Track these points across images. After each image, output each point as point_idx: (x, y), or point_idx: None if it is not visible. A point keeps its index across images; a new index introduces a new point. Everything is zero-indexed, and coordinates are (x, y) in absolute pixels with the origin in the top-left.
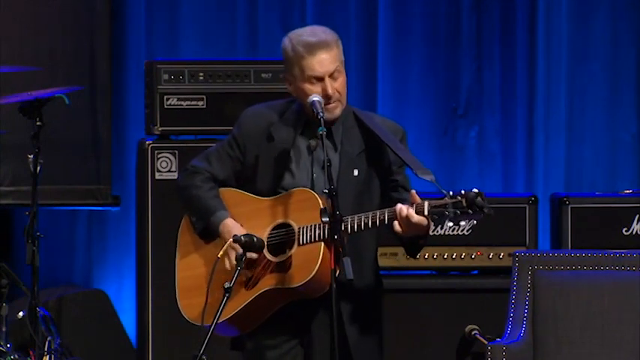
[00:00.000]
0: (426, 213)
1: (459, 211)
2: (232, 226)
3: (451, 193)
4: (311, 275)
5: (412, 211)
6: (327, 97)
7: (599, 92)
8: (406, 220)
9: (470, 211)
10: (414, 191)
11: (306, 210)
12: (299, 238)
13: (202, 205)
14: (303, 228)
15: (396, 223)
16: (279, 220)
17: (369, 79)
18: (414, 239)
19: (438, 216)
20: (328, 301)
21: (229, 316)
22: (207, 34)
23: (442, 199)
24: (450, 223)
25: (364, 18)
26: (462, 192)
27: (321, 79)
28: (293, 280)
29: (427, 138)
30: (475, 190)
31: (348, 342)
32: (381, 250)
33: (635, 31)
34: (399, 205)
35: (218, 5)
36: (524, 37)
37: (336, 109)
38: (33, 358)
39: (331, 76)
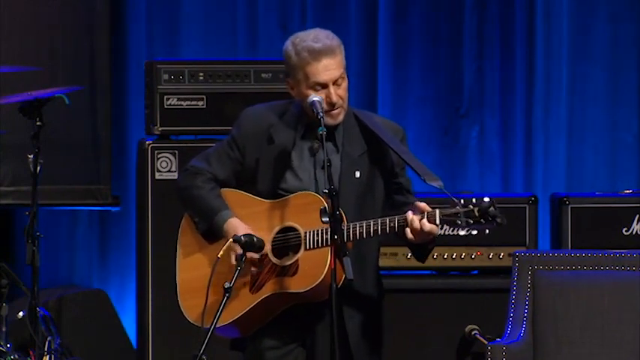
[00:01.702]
0: (437, 222)
1: (471, 220)
2: (238, 225)
3: (462, 201)
4: (319, 280)
5: (424, 220)
6: (330, 105)
7: (600, 92)
8: (418, 230)
9: (482, 220)
10: (418, 203)
11: (311, 213)
12: (305, 242)
13: (205, 206)
14: (309, 232)
15: (407, 230)
16: (285, 224)
17: (369, 79)
18: (423, 244)
19: (449, 225)
20: (330, 303)
21: (233, 318)
22: (207, 34)
23: (453, 206)
24: (462, 232)
25: (365, 18)
26: (474, 201)
27: (325, 86)
28: (299, 285)
29: (428, 138)
30: (487, 198)
31: (349, 343)
32: (381, 250)
33: (635, 31)
34: (410, 214)
35: (218, 5)
36: (524, 37)
37: (339, 116)
38: (33, 358)
39: (335, 82)
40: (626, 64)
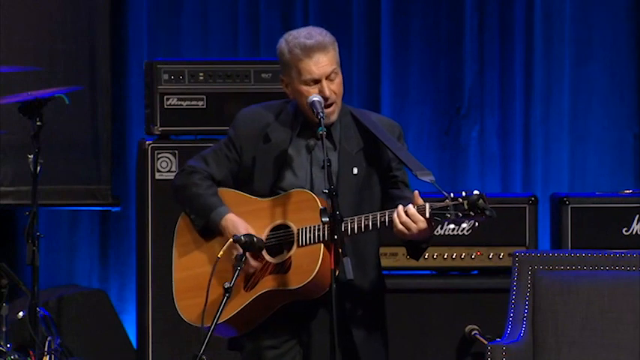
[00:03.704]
0: (427, 215)
1: (460, 214)
2: (235, 221)
3: (452, 195)
4: (311, 277)
5: (411, 207)
6: (324, 99)
7: (600, 92)
8: (407, 220)
9: (471, 213)
10: (417, 192)
11: (304, 211)
12: (298, 240)
13: (202, 203)
14: (302, 229)
15: (397, 224)
16: (278, 221)
17: (371, 79)
18: (417, 243)
19: (439, 218)
20: (328, 301)
21: (228, 317)
22: (207, 34)
23: (443, 200)
24: (452, 226)
25: (367, 18)
26: (463, 194)
27: (317, 81)
28: (292, 282)
29: (428, 138)
30: (476, 192)
31: (355, 342)
32: (381, 250)
33: (635, 31)
34: (400, 207)
35: (219, 5)
36: (524, 37)
37: (333, 114)
38: (33, 358)
39: (328, 77)
40: (626, 64)
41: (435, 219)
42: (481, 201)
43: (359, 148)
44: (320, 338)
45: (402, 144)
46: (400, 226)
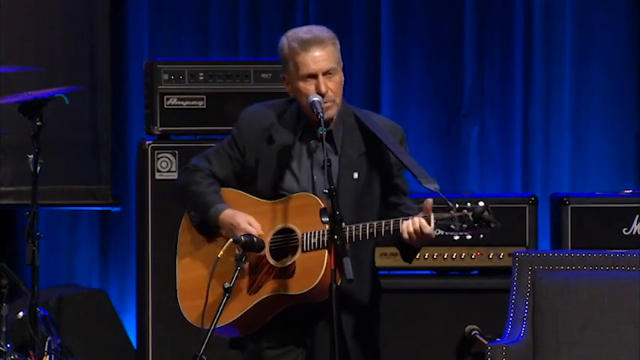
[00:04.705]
0: (432, 226)
1: (465, 225)
2: (232, 215)
3: (457, 205)
4: (315, 283)
5: (423, 222)
6: (320, 96)
7: (600, 92)
8: (415, 233)
9: (476, 225)
10: (430, 200)
11: (308, 215)
12: (303, 244)
13: (201, 200)
14: (306, 234)
15: (405, 233)
16: (282, 225)
17: (372, 79)
18: (413, 249)
19: (443, 229)
20: (330, 304)
21: (231, 320)
22: (207, 34)
23: (448, 211)
24: (456, 237)
25: (367, 18)
26: (469, 205)
27: (315, 77)
28: (296, 288)
29: (428, 138)
30: (481, 203)
31: (346, 343)
32: (381, 250)
33: (635, 31)
34: (411, 219)
35: (219, 5)
36: (524, 37)
37: (330, 110)
38: (33, 358)
39: (326, 74)
40: (626, 64)
41: (440, 229)
42: (486, 213)
43: (360, 153)
44: (322, 340)
45: (404, 148)
46: (406, 236)
